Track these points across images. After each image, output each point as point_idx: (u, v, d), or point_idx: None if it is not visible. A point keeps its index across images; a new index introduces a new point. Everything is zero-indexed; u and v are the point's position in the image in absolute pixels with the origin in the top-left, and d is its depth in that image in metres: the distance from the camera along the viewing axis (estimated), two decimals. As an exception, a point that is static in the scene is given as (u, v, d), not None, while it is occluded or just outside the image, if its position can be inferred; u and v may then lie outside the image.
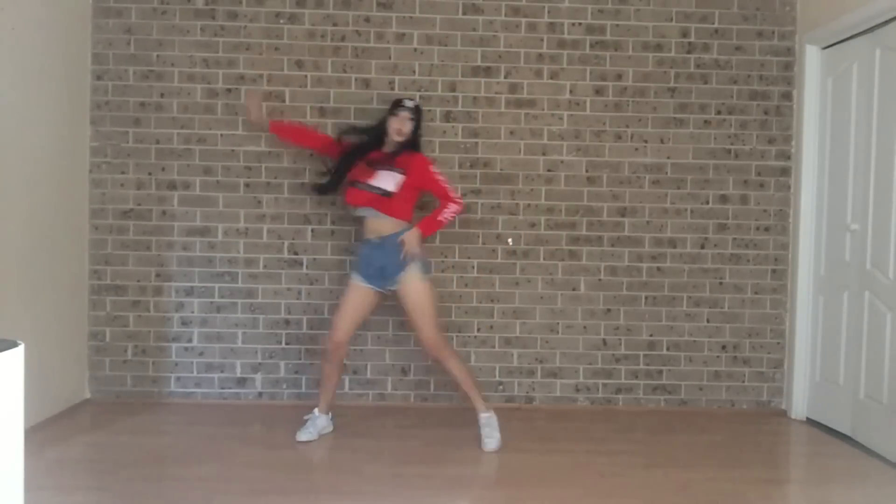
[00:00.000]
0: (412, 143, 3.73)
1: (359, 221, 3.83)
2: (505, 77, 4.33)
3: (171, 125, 4.28)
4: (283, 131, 3.96)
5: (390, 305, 4.32)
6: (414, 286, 3.62)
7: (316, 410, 3.76)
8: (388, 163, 3.63)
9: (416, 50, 4.31)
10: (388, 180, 3.58)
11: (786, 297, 4.42)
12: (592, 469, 3.35)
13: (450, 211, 3.66)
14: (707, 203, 4.40)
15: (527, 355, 4.38)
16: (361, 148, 3.74)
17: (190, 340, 4.32)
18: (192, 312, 4.31)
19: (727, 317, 4.42)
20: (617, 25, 4.34)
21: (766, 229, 4.42)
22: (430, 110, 4.28)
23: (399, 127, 3.67)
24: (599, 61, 4.35)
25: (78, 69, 4.17)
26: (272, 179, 4.30)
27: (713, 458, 3.55)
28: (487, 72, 4.32)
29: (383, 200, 3.59)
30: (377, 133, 3.76)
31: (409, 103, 3.74)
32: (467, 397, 3.72)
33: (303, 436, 3.68)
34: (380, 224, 3.64)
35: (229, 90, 4.28)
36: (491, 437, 3.62)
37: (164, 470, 3.23)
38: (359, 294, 3.70)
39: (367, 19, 4.30)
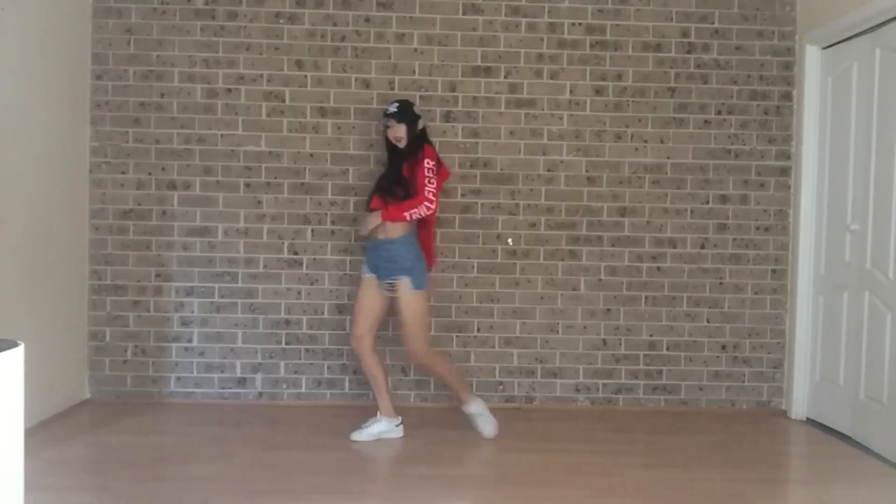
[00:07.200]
0: (420, 137, 3.75)
1: None
2: (505, 77, 4.33)
3: (171, 125, 4.28)
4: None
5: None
6: (403, 297, 3.64)
7: (378, 414, 3.76)
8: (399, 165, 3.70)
9: (416, 50, 4.31)
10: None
11: (786, 297, 4.42)
12: (592, 469, 3.35)
13: (414, 208, 3.58)
14: (707, 203, 4.40)
15: (527, 355, 4.38)
16: (391, 161, 3.79)
17: (190, 340, 4.32)
18: (192, 312, 4.31)
19: (727, 317, 4.42)
20: (617, 25, 4.34)
21: (766, 229, 4.42)
22: (429, 110, 4.28)
23: (395, 135, 3.71)
24: (599, 61, 4.35)
25: (78, 69, 4.17)
26: (272, 179, 4.30)
27: (713, 458, 3.55)
28: (487, 72, 4.32)
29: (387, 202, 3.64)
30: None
31: (390, 109, 3.73)
32: (455, 393, 3.85)
33: (357, 436, 3.69)
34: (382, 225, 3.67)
35: (229, 90, 4.28)
36: (487, 423, 3.75)
37: (164, 470, 3.23)
38: (368, 286, 3.73)
39: (367, 19, 4.30)
